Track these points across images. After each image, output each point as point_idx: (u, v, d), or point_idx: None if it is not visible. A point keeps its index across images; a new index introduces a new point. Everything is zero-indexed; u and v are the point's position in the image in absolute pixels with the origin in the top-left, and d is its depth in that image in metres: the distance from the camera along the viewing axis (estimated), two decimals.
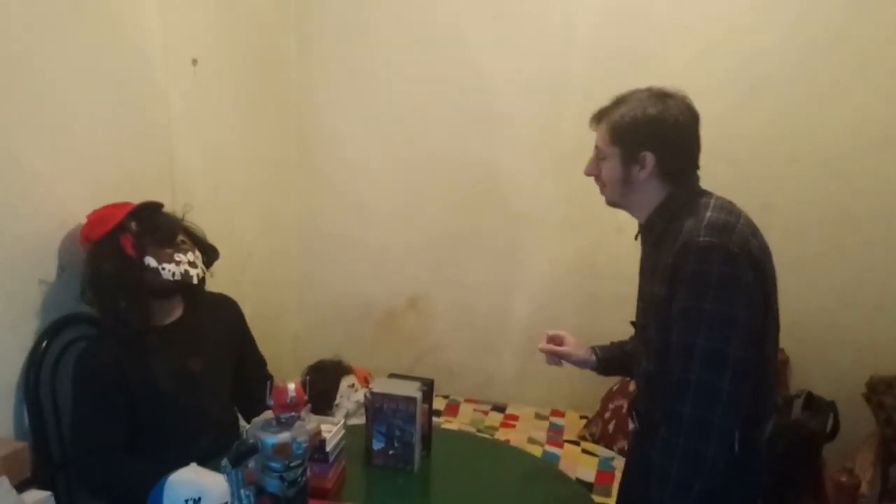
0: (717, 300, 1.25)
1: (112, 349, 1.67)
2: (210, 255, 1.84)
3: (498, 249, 3.05)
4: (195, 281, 1.74)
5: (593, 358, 1.69)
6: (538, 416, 2.91)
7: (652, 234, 1.44)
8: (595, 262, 2.91)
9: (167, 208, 1.81)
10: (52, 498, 1.59)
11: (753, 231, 1.35)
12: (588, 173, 1.49)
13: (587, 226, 2.89)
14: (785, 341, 2.62)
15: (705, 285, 1.25)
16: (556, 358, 1.69)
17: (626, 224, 2.81)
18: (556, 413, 2.94)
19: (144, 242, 1.67)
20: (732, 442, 1.30)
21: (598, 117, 1.45)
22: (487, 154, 2.97)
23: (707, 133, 2.64)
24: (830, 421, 2.28)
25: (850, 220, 2.58)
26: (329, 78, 3.11)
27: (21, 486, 1.52)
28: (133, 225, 1.68)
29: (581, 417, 2.86)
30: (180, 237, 1.75)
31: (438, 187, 3.07)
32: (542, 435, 2.72)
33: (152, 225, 1.70)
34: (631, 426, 1.67)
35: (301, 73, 3.12)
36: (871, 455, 2.25)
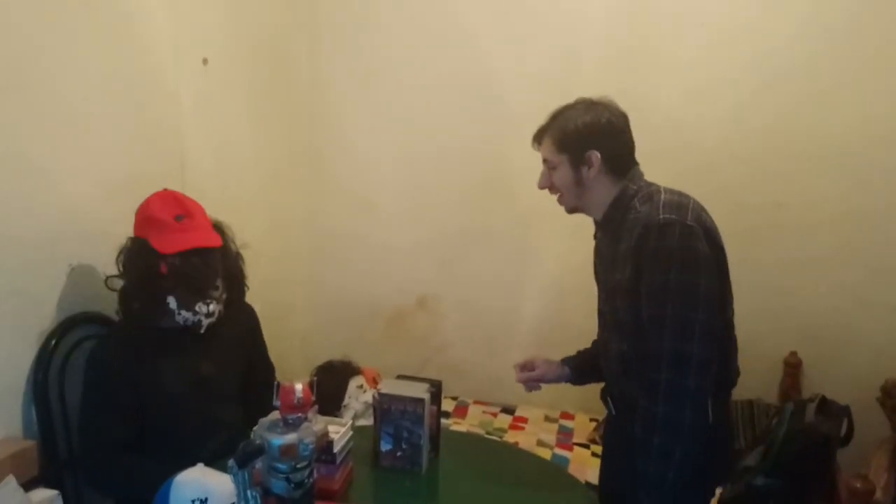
0: (681, 271, 1.36)
1: (123, 348, 1.66)
2: (233, 294, 1.82)
3: (507, 248, 3.04)
4: (202, 330, 1.72)
5: (567, 370, 1.82)
6: (547, 419, 2.89)
7: (610, 227, 1.56)
8: None
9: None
10: (60, 497, 1.60)
11: (703, 208, 1.47)
12: (542, 186, 1.63)
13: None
14: (798, 343, 2.64)
15: (669, 259, 1.37)
16: (533, 383, 1.83)
17: None
18: (565, 415, 2.91)
19: (176, 285, 1.64)
20: (706, 409, 1.37)
21: (539, 135, 1.61)
22: (497, 151, 2.95)
23: (718, 131, 2.65)
24: (844, 425, 2.24)
25: (863, 218, 2.54)
26: (338, 76, 3.11)
27: (28, 485, 1.52)
28: (176, 261, 1.61)
29: (591, 420, 2.83)
30: (213, 287, 1.72)
31: (447, 185, 3.06)
32: (551, 437, 2.70)
33: (191, 272, 1.64)
34: (611, 412, 1.72)
35: (311, 72, 3.12)
36: (886, 460, 2.22)
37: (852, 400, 2.32)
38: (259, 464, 1.20)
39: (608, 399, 1.69)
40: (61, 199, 1.78)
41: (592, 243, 2.87)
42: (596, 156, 1.51)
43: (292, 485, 1.19)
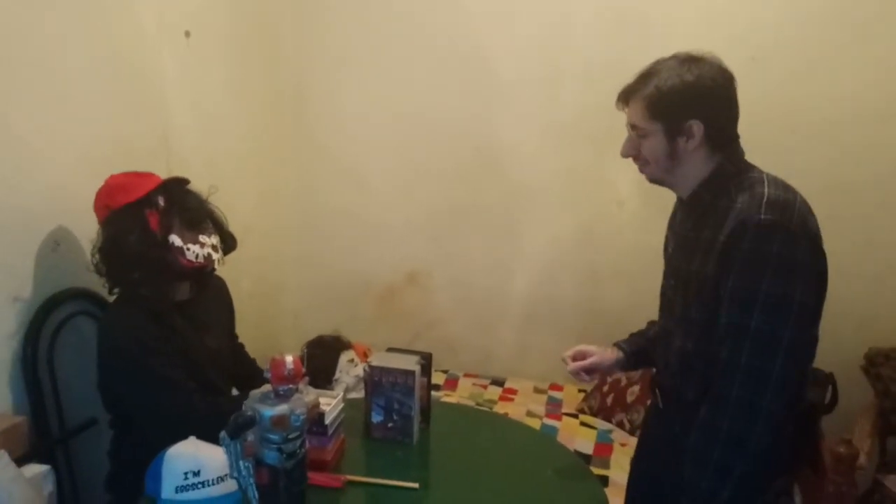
0: (775, 281, 1.21)
1: (138, 317, 1.59)
2: (228, 242, 1.77)
3: (497, 224, 3.04)
4: (216, 266, 1.69)
5: (621, 355, 1.62)
6: (537, 390, 2.92)
7: (696, 210, 1.37)
8: (595, 236, 2.90)
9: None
10: (52, 472, 1.60)
11: (810, 209, 1.30)
12: (626, 154, 1.41)
13: (587, 199, 2.87)
14: None
15: (763, 265, 1.21)
16: (585, 374, 1.61)
17: (627, 198, 2.83)
18: (554, 387, 2.95)
19: (171, 220, 1.61)
20: (779, 426, 1.26)
21: (626, 96, 1.37)
22: (487, 127, 2.95)
23: None
24: (829, 393, 2.28)
25: (849, 191, 2.56)
26: (325, 49, 3.07)
27: (20, 461, 1.52)
28: (160, 200, 1.61)
29: (580, 391, 2.86)
30: (206, 218, 1.70)
31: (438, 160, 3.05)
32: (540, 408, 2.73)
33: (182, 203, 1.63)
34: (658, 404, 1.58)
35: (297, 45, 3.08)
36: (869, 426, 2.26)
37: (836, 368, 2.34)
38: (251, 435, 1.21)
39: (656, 390, 1.55)
40: (45, 172, 1.76)
41: (583, 219, 2.92)
42: (698, 126, 1.29)
43: (284, 455, 1.20)
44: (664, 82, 1.30)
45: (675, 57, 1.33)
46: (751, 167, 1.36)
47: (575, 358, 1.62)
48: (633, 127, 1.37)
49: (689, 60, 1.31)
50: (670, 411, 1.46)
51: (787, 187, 1.31)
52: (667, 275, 1.49)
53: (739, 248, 1.23)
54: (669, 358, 1.45)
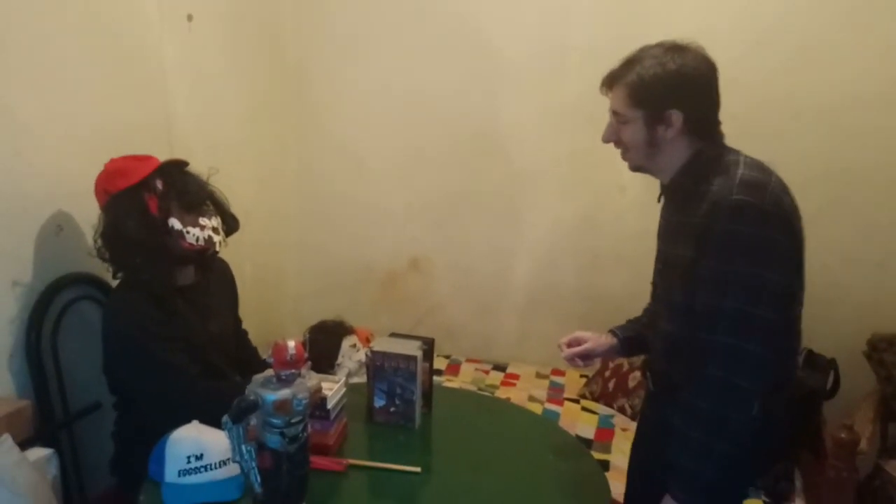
0: (748, 261, 1.21)
1: (141, 301, 1.58)
2: (230, 224, 1.76)
3: (499, 209, 3.04)
4: (218, 248, 1.68)
5: (616, 341, 1.63)
6: (539, 375, 2.93)
7: (677, 195, 1.38)
8: (596, 221, 2.90)
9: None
10: (56, 455, 1.61)
11: (785, 188, 1.29)
12: (607, 140, 1.41)
13: (588, 185, 2.86)
14: None
15: (736, 246, 1.22)
16: (580, 360, 1.62)
17: (629, 183, 2.82)
18: (556, 372, 2.95)
19: (170, 204, 1.60)
20: (758, 406, 1.26)
21: (611, 81, 1.36)
22: (489, 112, 2.93)
23: None
24: (831, 378, 2.28)
25: (852, 176, 2.55)
26: (327, 34, 3.05)
27: (24, 444, 1.53)
28: (159, 184, 1.59)
29: (581, 376, 2.87)
30: (206, 200, 1.69)
31: (439, 145, 3.04)
32: (542, 393, 2.74)
33: (180, 186, 1.62)
34: (650, 387, 1.61)
35: (298, 29, 3.06)
36: (871, 412, 2.26)
37: (839, 353, 2.35)
38: (254, 420, 1.21)
39: (648, 374, 1.57)
40: (46, 157, 1.76)
41: (585, 204, 2.91)
42: (677, 115, 1.30)
43: (287, 439, 1.20)
44: (646, 70, 1.30)
45: (660, 45, 1.33)
46: (730, 151, 1.35)
47: (570, 344, 1.63)
48: (614, 113, 1.38)
49: (674, 49, 1.31)
50: (661, 395, 1.48)
51: (763, 168, 1.30)
52: (656, 260, 1.50)
53: (713, 229, 1.24)
54: (657, 341, 1.48)
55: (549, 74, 2.81)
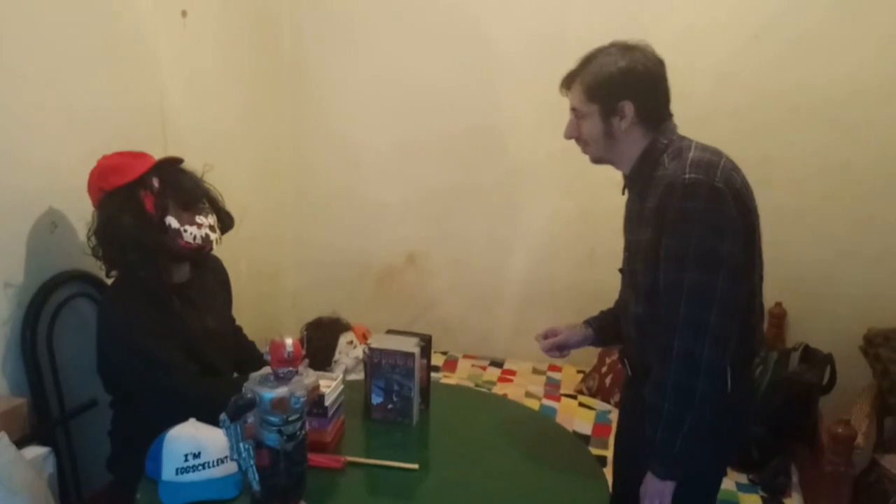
0: (703, 235, 1.29)
1: (136, 299, 1.58)
2: (225, 221, 1.75)
3: (496, 204, 3.03)
4: (214, 246, 1.67)
5: (590, 332, 1.70)
6: (535, 371, 2.93)
7: (637, 183, 1.47)
8: (593, 216, 2.89)
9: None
10: (52, 453, 1.61)
11: (735, 167, 1.38)
12: (568, 136, 1.54)
13: (586, 180, 2.85)
14: (782, 294, 2.66)
15: (691, 221, 1.30)
16: (557, 350, 1.69)
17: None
18: (553, 368, 2.95)
19: (167, 202, 1.58)
20: (725, 379, 1.33)
21: (569, 81, 1.50)
22: (486, 106, 2.92)
23: (707, 85, 2.62)
24: (827, 373, 2.29)
25: (849, 171, 2.55)
26: (323, 28, 3.04)
27: (20, 442, 1.52)
28: (155, 182, 1.58)
29: (578, 372, 2.87)
30: (202, 197, 1.67)
31: (436, 141, 3.03)
32: (539, 389, 2.74)
33: (176, 184, 1.61)
34: (627, 373, 1.66)
35: (294, 23, 3.05)
36: (867, 407, 2.27)
37: (835, 349, 2.36)
38: (251, 418, 1.21)
39: (625, 360, 1.63)
40: (40, 155, 1.74)
41: (582, 199, 2.90)
42: (629, 107, 1.40)
43: (284, 437, 1.20)
44: (600, 67, 1.43)
45: (613, 45, 1.45)
46: (682, 138, 1.44)
47: (546, 336, 1.71)
48: (573, 110, 1.50)
49: (625, 48, 1.43)
50: (637, 379, 1.51)
51: (713, 151, 1.39)
52: (624, 249, 1.57)
53: (669, 207, 1.32)
54: (628, 326, 1.54)
55: (548, 68, 2.77)
